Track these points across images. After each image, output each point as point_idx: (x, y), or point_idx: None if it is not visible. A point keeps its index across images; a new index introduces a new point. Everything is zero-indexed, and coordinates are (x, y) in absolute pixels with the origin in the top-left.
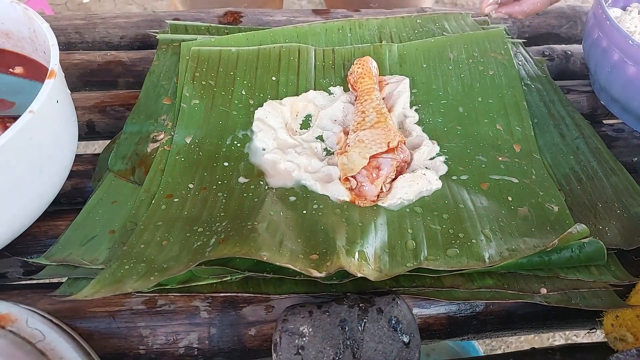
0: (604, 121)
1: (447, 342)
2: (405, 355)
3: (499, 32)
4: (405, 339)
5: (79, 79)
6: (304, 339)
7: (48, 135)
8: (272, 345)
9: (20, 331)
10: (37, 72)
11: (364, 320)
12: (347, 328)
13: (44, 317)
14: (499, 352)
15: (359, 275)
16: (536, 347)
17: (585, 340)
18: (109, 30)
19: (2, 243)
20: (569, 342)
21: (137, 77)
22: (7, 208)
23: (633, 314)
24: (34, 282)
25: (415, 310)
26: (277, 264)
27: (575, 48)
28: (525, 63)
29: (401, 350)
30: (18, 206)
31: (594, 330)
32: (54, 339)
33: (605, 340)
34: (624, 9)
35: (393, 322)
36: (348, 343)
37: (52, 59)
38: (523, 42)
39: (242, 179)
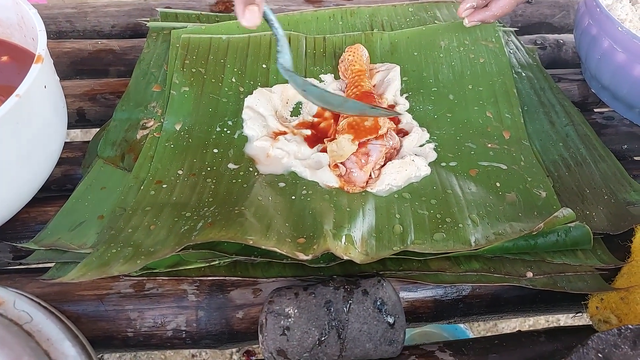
0: (594, 109)
1: (440, 332)
2: (390, 335)
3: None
4: (390, 320)
5: (70, 67)
6: (290, 319)
7: (36, 120)
8: (258, 326)
9: (7, 313)
10: (26, 61)
11: (349, 301)
12: (332, 309)
13: (31, 299)
14: None
15: (345, 257)
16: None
17: (569, 324)
18: (100, 19)
19: None
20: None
21: (128, 65)
22: None
23: (617, 296)
24: (24, 267)
25: (402, 294)
26: (263, 247)
27: (568, 37)
28: (517, 51)
29: (386, 330)
30: (6, 191)
31: (579, 314)
32: (41, 321)
33: (590, 323)
34: None
35: (378, 303)
36: (333, 324)
37: (40, 44)
38: (515, 30)
39: (231, 165)
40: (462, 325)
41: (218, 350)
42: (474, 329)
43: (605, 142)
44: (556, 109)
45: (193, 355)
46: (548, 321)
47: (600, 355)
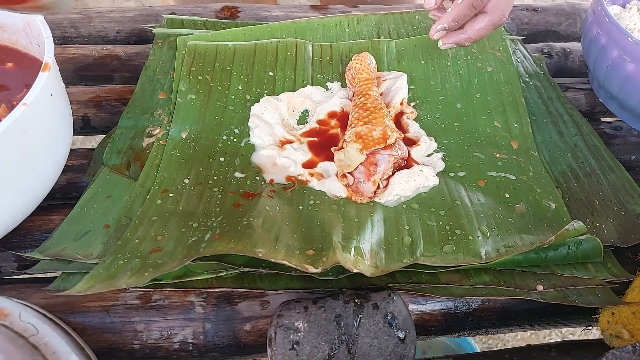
0: (602, 119)
1: (443, 339)
2: (400, 350)
3: (498, 29)
4: (401, 335)
5: (75, 73)
6: (299, 334)
7: (42, 128)
8: (267, 340)
9: (13, 325)
10: (31, 67)
11: (360, 315)
12: (342, 323)
13: (37, 311)
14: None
15: (355, 271)
16: (532, 344)
17: (581, 338)
18: (104, 25)
19: None
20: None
21: (133, 71)
22: (1, 201)
23: (629, 311)
24: (28, 276)
25: (411, 307)
26: (273, 260)
27: (574, 46)
28: (524, 60)
29: (396, 345)
30: (11, 200)
31: (590, 327)
32: (47, 333)
33: (601, 337)
34: (623, 6)
35: (389, 317)
36: (343, 338)
37: (47, 51)
38: (522, 39)
39: (238, 174)
40: (472, 343)
41: None
42: (477, 338)
43: (614, 152)
44: (564, 118)
45: None
46: (555, 334)
47: None
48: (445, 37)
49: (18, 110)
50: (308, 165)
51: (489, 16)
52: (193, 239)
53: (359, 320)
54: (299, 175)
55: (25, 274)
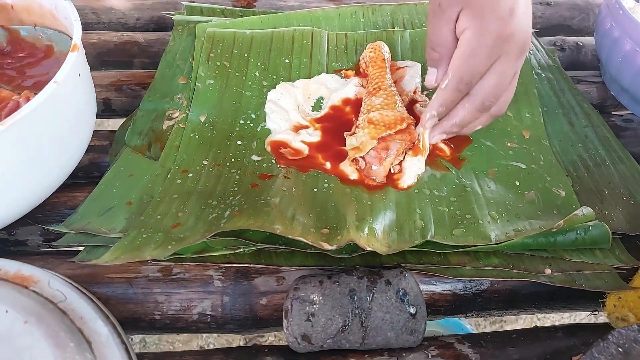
0: (612, 112)
1: (437, 327)
2: (411, 325)
3: None
4: (412, 310)
5: (96, 59)
6: (315, 306)
7: (70, 107)
8: (283, 312)
9: (42, 291)
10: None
11: (373, 290)
12: (356, 297)
13: (64, 280)
14: None
15: (369, 249)
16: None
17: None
18: (124, 12)
19: (24, 211)
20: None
21: (152, 57)
22: (30, 176)
23: (635, 295)
24: (53, 250)
25: (421, 287)
26: (290, 236)
27: (587, 40)
28: (536, 52)
29: (408, 320)
30: (40, 175)
31: (596, 312)
32: (75, 300)
33: (607, 321)
34: (637, 0)
35: (400, 293)
36: (357, 312)
37: (75, 33)
38: (535, 32)
39: (255, 157)
40: (468, 326)
41: (241, 335)
42: (486, 324)
43: (624, 144)
44: (575, 110)
45: (201, 347)
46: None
47: (620, 349)
48: (432, 130)
49: (50, 88)
50: None
51: (471, 98)
52: (213, 215)
53: (372, 295)
54: None
55: (50, 247)
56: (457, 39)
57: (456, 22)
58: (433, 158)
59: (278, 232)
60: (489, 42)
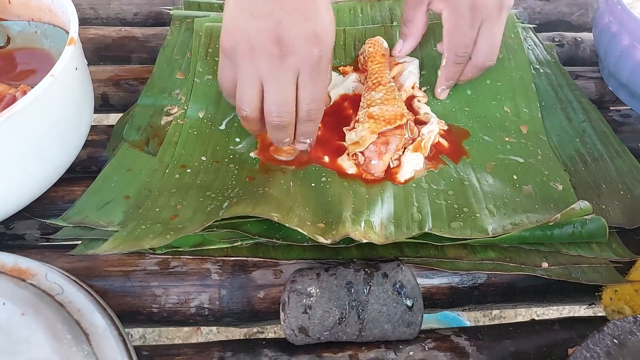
0: (610, 107)
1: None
2: (408, 317)
3: (509, 16)
4: (409, 303)
5: (94, 54)
6: (312, 299)
7: (67, 100)
8: (281, 304)
9: (40, 284)
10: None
11: (370, 283)
12: (352, 290)
13: (61, 273)
14: None
15: (365, 240)
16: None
17: (583, 315)
18: (122, 7)
19: (22, 204)
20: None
21: (150, 53)
22: (27, 170)
23: (632, 288)
24: (51, 244)
25: (418, 280)
26: (287, 225)
27: (586, 35)
28: (535, 47)
29: (404, 313)
30: (38, 169)
31: (593, 305)
32: (72, 293)
33: (603, 314)
34: None
35: (397, 286)
36: (354, 304)
37: (72, 27)
38: (533, 27)
39: (253, 154)
40: (467, 322)
41: (240, 329)
42: (484, 317)
43: (622, 139)
44: (573, 105)
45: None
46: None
47: (615, 341)
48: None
49: (46, 81)
50: None
51: (472, 63)
52: (212, 207)
53: (369, 288)
54: None
55: (48, 240)
56: (427, 19)
57: (429, 4)
58: (431, 152)
59: (276, 219)
60: (465, 15)
